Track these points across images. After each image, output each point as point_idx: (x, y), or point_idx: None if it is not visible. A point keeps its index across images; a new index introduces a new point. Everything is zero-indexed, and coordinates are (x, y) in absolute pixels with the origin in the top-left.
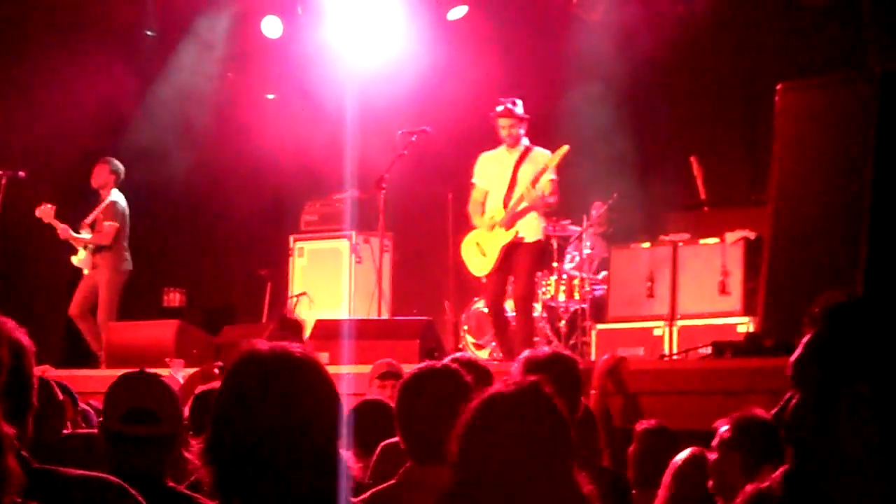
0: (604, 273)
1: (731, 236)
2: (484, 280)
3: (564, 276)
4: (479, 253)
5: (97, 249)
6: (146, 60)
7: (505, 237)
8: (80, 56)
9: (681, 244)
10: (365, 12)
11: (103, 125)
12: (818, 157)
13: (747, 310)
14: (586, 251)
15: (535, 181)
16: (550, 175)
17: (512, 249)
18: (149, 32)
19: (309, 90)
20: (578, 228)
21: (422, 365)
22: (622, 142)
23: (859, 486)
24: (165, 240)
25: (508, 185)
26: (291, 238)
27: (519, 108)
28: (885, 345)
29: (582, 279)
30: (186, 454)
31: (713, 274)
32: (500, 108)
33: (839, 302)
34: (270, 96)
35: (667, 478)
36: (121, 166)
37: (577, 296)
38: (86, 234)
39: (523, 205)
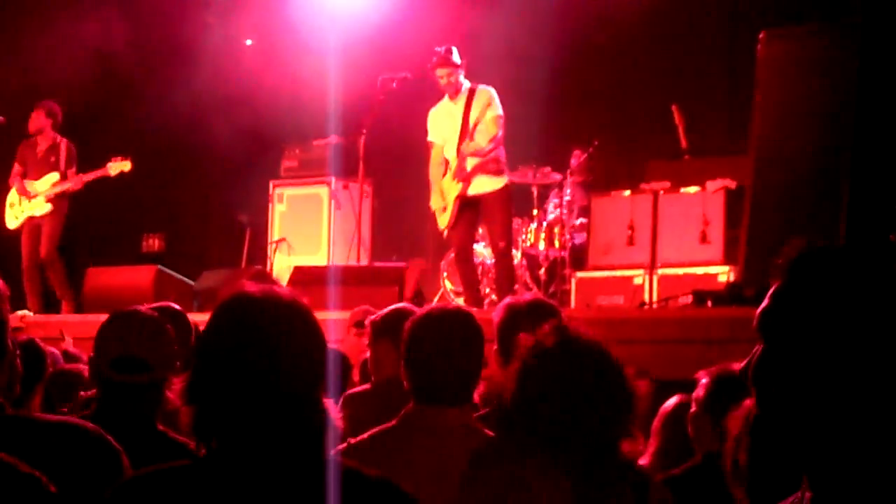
0: (583, 220)
1: (711, 185)
2: (445, 233)
3: (545, 224)
4: (441, 207)
5: (56, 198)
6: (123, 3)
7: (455, 189)
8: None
9: (661, 192)
10: None
11: (80, 70)
12: (800, 106)
13: (728, 259)
14: (566, 199)
15: (474, 126)
16: (495, 111)
17: (473, 201)
18: None
19: (289, 35)
20: (559, 176)
21: (432, 306)
22: (603, 89)
23: (823, 431)
24: (144, 186)
25: (460, 135)
26: (271, 184)
27: (454, 56)
28: (846, 295)
29: (562, 227)
30: (167, 393)
31: (694, 223)
32: (434, 59)
33: (801, 251)
34: (248, 42)
35: (656, 425)
36: (57, 109)
37: (557, 244)
38: (46, 183)
39: (469, 151)
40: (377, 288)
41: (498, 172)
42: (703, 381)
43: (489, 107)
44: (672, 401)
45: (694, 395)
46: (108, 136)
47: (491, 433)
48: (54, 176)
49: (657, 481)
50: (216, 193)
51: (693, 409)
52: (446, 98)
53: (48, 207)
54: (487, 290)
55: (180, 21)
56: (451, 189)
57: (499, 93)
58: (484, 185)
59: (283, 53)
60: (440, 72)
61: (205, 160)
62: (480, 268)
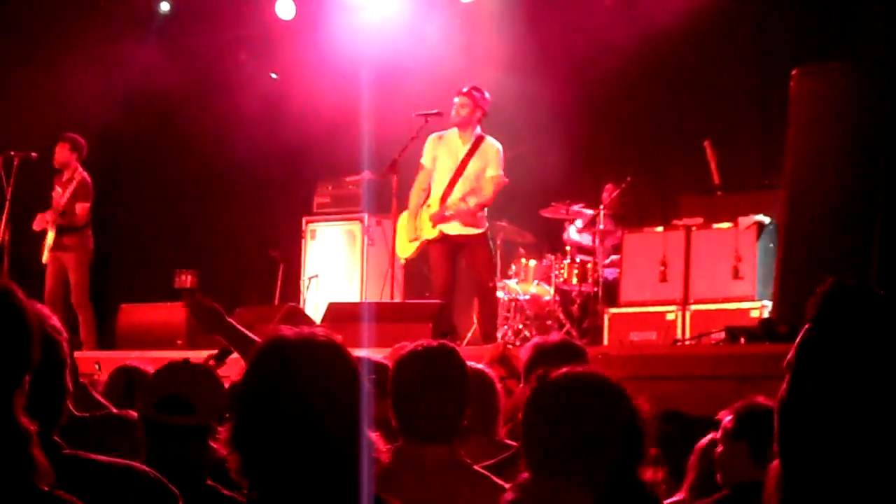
0: (616, 256)
1: (744, 221)
2: (402, 261)
3: (577, 260)
4: (408, 236)
5: (65, 231)
6: (159, 40)
7: (427, 234)
8: (92, 35)
9: (694, 228)
10: None
11: (116, 107)
12: (833, 143)
13: (761, 295)
14: (599, 234)
15: (472, 177)
16: (496, 171)
17: (454, 241)
18: (162, 10)
19: (323, 72)
20: (592, 212)
21: (416, 343)
22: (635, 125)
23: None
24: (178, 221)
25: (452, 177)
26: (304, 220)
27: (480, 95)
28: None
29: (594, 263)
30: (212, 443)
31: (726, 258)
32: (460, 93)
33: (832, 292)
34: (274, 76)
35: (692, 461)
36: (82, 143)
37: (589, 279)
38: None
39: (452, 210)
40: (411, 325)
41: (475, 224)
42: (727, 417)
43: (492, 164)
44: (708, 437)
45: (719, 434)
46: (143, 173)
47: (480, 470)
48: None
49: None
50: (249, 229)
51: (718, 447)
52: (454, 132)
53: (59, 244)
54: (521, 327)
55: (215, 59)
56: (426, 230)
57: (531, 129)
58: (464, 229)
59: (315, 90)
60: (457, 100)
61: (238, 196)
62: (514, 304)
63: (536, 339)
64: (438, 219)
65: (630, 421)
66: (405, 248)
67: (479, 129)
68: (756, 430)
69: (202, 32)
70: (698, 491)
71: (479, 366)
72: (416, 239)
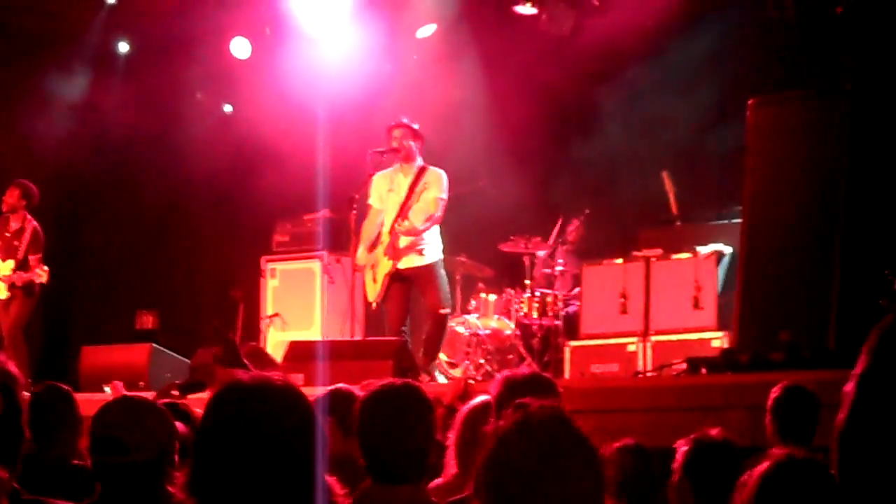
0: (576, 290)
1: (703, 251)
2: (374, 306)
3: (537, 294)
4: (371, 278)
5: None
6: (116, 80)
7: (386, 265)
8: (49, 76)
9: (653, 259)
10: (333, 32)
11: (74, 147)
12: (791, 172)
13: (721, 324)
14: (558, 268)
15: (414, 202)
16: (438, 193)
17: (405, 276)
18: (120, 50)
19: (280, 110)
20: (550, 245)
21: (381, 383)
22: (592, 158)
23: None
24: (137, 262)
25: (400, 209)
26: (263, 259)
27: (415, 125)
28: None
29: (554, 296)
30: (170, 487)
31: (686, 289)
32: (395, 122)
33: (890, 328)
34: (228, 108)
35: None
36: (34, 191)
37: (549, 313)
38: (7, 267)
39: (402, 229)
40: (372, 362)
41: (428, 254)
42: (683, 448)
43: (434, 187)
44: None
45: (674, 464)
46: (101, 213)
47: None
48: (11, 263)
49: None
50: (209, 269)
51: (674, 477)
52: (395, 169)
53: (5, 294)
54: (482, 361)
55: (172, 98)
56: (382, 265)
57: (489, 164)
58: (414, 260)
59: (272, 128)
60: (395, 132)
61: (197, 236)
62: (475, 339)
63: (506, 373)
64: (392, 253)
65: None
66: (371, 290)
67: (420, 161)
68: (703, 467)
69: (159, 72)
70: None
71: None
72: (375, 281)
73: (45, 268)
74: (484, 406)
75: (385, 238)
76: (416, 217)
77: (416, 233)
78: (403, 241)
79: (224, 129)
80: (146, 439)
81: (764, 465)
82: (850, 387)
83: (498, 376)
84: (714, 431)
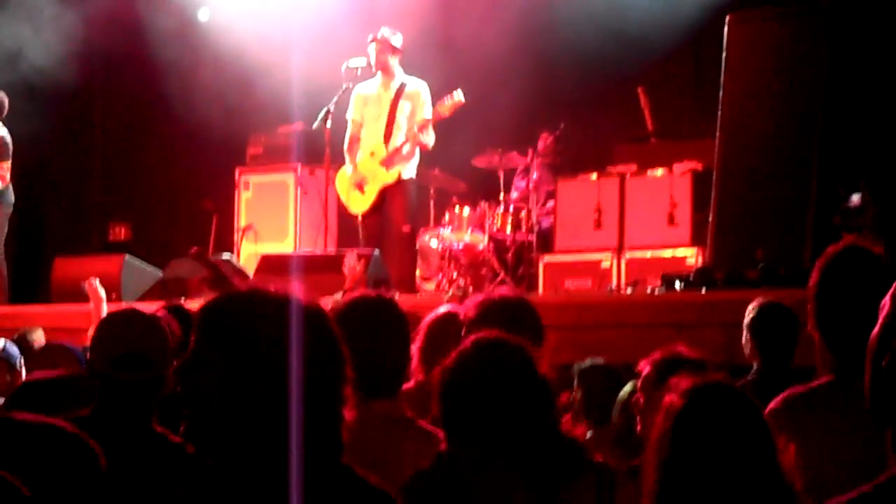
0: (550, 204)
1: (679, 168)
2: (360, 218)
3: (511, 208)
4: (356, 189)
5: None
6: None
7: (386, 177)
8: None
9: (628, 175)
10: None
11: (46, 57)
12: (767, 89)
13: (695, 241)
14: (533, 182)
15: (396, 119)
16: (425, 114)
17: (389, 188)
18: None
19: (252, 21)
20: (525, 159)
21: (354, 295)
22: (568, 72)
23: None
24: (110, 174)
25: (387, 123)
26: (237, 171)
27: (395, 39)
28: None
29: (528, 211)
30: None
31: (661, 205)
32: (371, 36)
33: None
34: (204, 14)
35: (615, 414)
36: (4, 99)
37: (523, 227)
38: None
39: (407, 147)
40: (344, 275)
41: (405, 171)
42: (646, 369)
43: (419, 108)
44: (629, 387)
45: (638, 384)
46: (74, 124)
47: (425, 426)
48: None
49: (622, 471)
50: (182, 181)
51: (639, 399)
52: (377, 80)
53: None
54: (455, 275)
55: (144, 6)
56: (378, 177)
57: (464, 76)
58: (395, 175)
59: (246, 40)
60: (373, 47)
61: (170, 147)
62: (448, 253)
63: (482, 296)
64: (390, 161)
65: (536, 380)
66: (359, 202)
67: (400, 71)
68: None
69: None
70: (620, 442)
71: (443, 309)
72: (360, 187)
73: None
74: (448, 316)
75: (379, 149)
76: (401, 135)
77: (398, 152)
78: (390, 157)
79: (199, 38)
80: (164, 353)
81: (675, 395)
82: (886, 300)
83: (473, 299)
84: (681, 348)
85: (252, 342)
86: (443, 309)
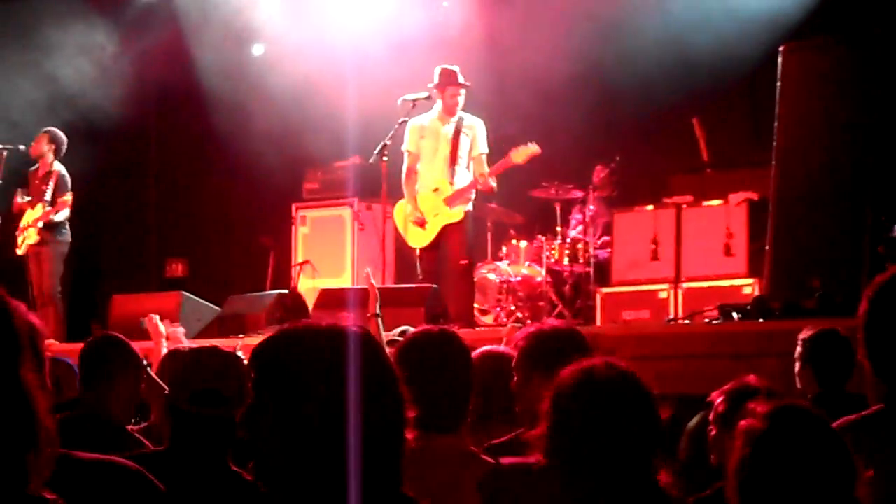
0: (607, 237)
1: (734, 198)
2: (419, 252)
3: (568, 241)
4: (417, 224)
5: (45, 226)
6: (144, 26)
7: (450, 216)
8: (77, 22)
9: (684, 206)
10: None
11: (100, 92)
12: (822, 118)
13: (752, 271)
14: (589, 215)
15: (457, 155)
16: (483, 149)
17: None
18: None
19: (308, 57)
20: (581, 192)
21: (416, 331)
22: (624, 105)
23: None
24: (167, 210)
25: (450, 158)
26: (294, 206)
27: (459, 76)
28: None
29: (585, 243)
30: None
31: (717, 236)
32: (441, 78)
33: None
34: (258, 50)
35: (683, 443)
36: (62, 137)
37: (580, 260)
38: (37, 212)
39: (474, 190)
40: (403, 309)
41: (468, 201)
42: (718, 399)
43: (479, 143)
44: (696, 419)
45: (710, 416)
46: (132, 161)
47: (488, 459)
48: (39, 207)
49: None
50: (239, 217)
51: (712, 430)
52: (433, 113)
53: (35, 239)
54: (513, 308)
55: (199, 46)
56: (441, 214)
57: (521, 110)
58: (456, 213)
59: (300, 75)
60: (452, 90)
61: (226, 183)
62: (505, 286)
63: (533, 328)
64: (454, 200)
65: (652, 422)
66: (418, 237)
67: (460, 109)
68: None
69: (186, 18)
70: (689, 473)
71: (501, 348)
72: (420, 224)
73: (67, 201)
74: (501, 356)
75: (444, 187)
76: (463, 172)
77: (464, 192)
78: (455, 196)
79: (253, 74)
80: (241, 392)
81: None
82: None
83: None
84: (751, 378)
85: (300, 380)
86: (491, 347)
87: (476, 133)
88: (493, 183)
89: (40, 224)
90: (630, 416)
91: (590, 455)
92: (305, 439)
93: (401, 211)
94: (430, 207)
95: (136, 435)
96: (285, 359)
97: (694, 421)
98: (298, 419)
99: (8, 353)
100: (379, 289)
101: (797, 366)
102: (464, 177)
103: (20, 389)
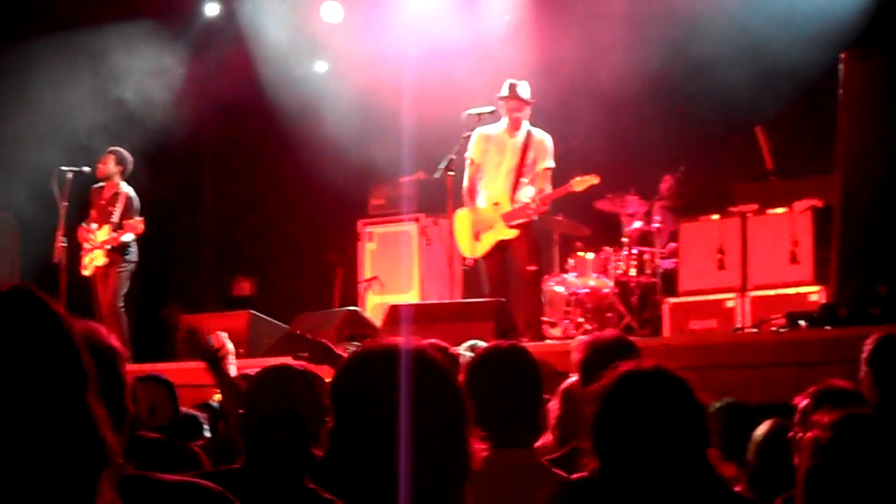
0: (673, 246)
1: (799, 205)
2: (467, 262)
3: (634, 251)
4: (472, 234)
5: (113, 248)
6: (209, 45)
7: (505, 233)
8: (137, 42)
9: (749, 215)
10: None
11: (166, 111)
12: (885, 124)
13: (818, 279)
14: (655, 225)
15: (523, 171)
16: (549, 163)
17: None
18: (205, 15)
19: (372, 73)
20: (647, 203)
21: (487, 346)
22: (687, 114)
23: None
24: (233, 229)
25: (515, 174)
26: (360, 222)
27: (524, 91)
28: None
29: (651, 253)
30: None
31: (783, 244)
32: (504, 92)
33: None
34: (321, 67)
35: (750, 453)
36: (128, 157)
37: (646, 270)
38: (104, 233)
39: (531, 211)
40: (473, 324)
41: (527, 217)
42: (803, 402)
43: (545, 157)
44: (764, 427)
45: (796, 417)
46: (197, 181)
47: (560, 473)
48: (107, 229)
49: None
50: (305, 234)
51: (797, 432)
52: (501, 125)
53: (103, 260)
54: (581, 320)
55: (263, 64)
56: (496, 229)
57: (583, 121)
58: (515, 234)
59: (364, 90)
60: (510, 104)
61: (292, 201)
62: (573, 298)
63: (589, 338)
64: (512, 217)
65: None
66: (475, 247)
67: (528, 124)
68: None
69: (250, 38)
70: (755, 481)
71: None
72: (478, 236)
73: (137, 224)
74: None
75: (504, 201)
76: (528, 188)
77: (523, 211)
78: (513, 214)
79: (317, 91)
80: (316, 413)
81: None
82: None
83: (582, 339)
84: (835, 380)
85: (357, 402)
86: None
87: (543, 147)
88: (548, 207)
89: (108, 247)
90: (667, 409)
91: (637, 456)
92: (360, 457)
93: (460, 219)
94: (487, 220)
95: (195, 449)
96: (341, 382)
97: (762, 429)
98: (353, 438)
99: (72, 377)
100: (447, 304)
101: (861, 371)
102: (526, 191)
103: (84, 412)
